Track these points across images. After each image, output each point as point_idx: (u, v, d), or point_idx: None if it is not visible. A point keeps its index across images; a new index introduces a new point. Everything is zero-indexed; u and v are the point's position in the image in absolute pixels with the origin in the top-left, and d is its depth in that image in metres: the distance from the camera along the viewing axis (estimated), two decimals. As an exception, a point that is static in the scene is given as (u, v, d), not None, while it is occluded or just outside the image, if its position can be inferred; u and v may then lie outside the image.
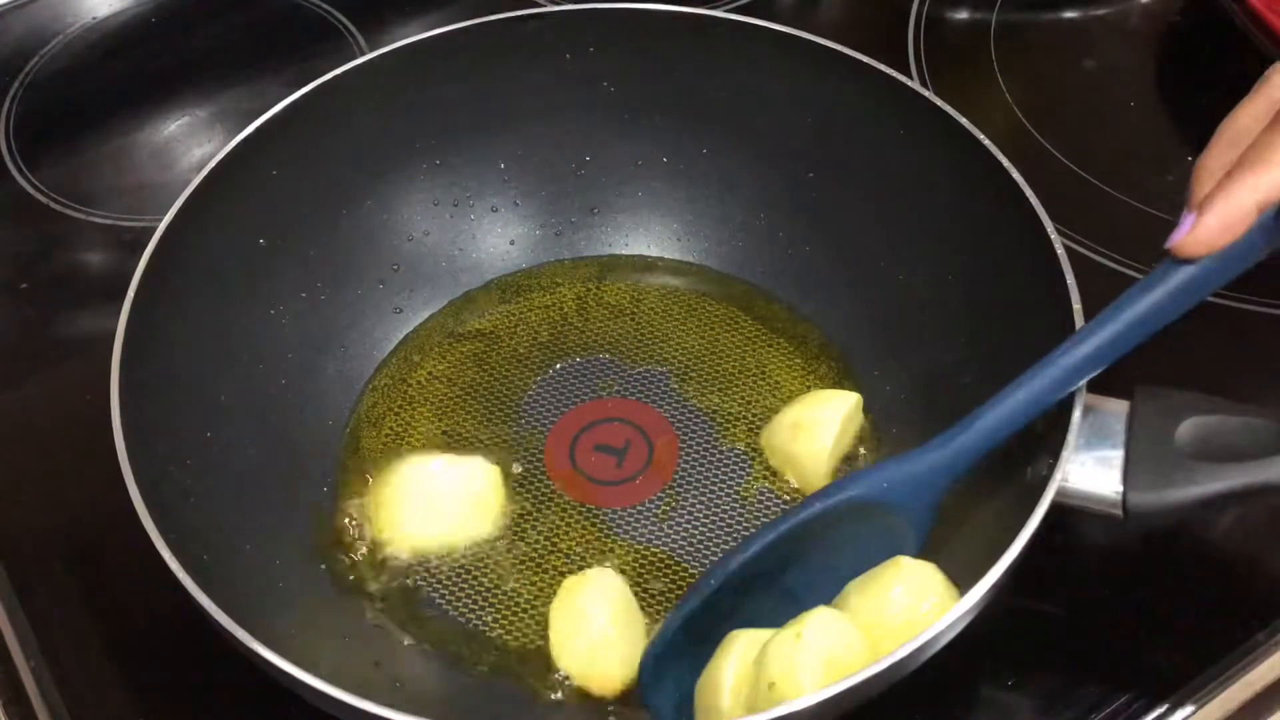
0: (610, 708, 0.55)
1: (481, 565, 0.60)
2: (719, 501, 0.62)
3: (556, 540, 0.61)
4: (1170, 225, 0.49)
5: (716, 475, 0.63)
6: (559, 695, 0.56)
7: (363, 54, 0.67)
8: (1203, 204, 0.48)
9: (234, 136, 0.62)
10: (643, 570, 0.60)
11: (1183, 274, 0.49)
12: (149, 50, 0.90)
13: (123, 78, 0.88)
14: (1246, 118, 0.49)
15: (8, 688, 0.57)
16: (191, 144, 0.83)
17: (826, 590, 0.54)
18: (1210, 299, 0.68)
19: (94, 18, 0.92)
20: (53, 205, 0.79)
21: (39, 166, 0.81)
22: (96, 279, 0.76)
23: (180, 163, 0.82)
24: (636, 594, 0.58)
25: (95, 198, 0.79)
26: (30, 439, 0.67)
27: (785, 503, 0.62)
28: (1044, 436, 0.52)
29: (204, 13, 0.91)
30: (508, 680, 0.57)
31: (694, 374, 0.68)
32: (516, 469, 0.64)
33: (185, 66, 0.88)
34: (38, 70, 0.88)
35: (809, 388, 0.66)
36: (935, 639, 0.46)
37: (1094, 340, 0.50)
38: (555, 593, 0.59)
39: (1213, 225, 0.48)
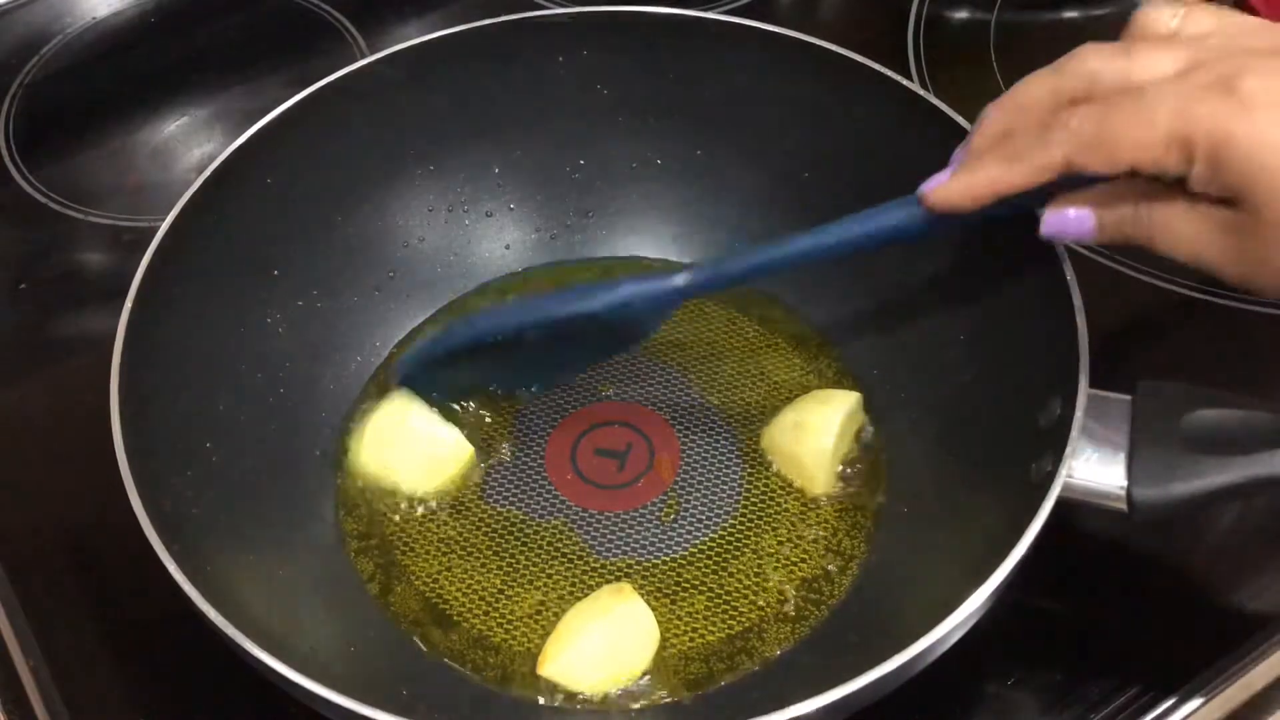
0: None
1: (485, 571, 0.60)
2: (721, 503, 0.62)
3: (560, 545, 0.61)
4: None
5: (718, 477, 0.63)
6: (559, 703, 0.56)
7: (362, 54, 0.67)
8: (958, 171, 0.50)
9: (233, 137, 0.62)
10: (645, 574, 0.60)
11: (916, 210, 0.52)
12: (149, 50, 0.90)
13: (123, 78, 0.88)
14: (1041, 89, 0.48)
15: (7, 688, 0.57)
16: (191, 144, 0.83)
17: (570, 372, 0.66)
18: (1210, 299, 0.69)
19: (94, 18, 0.92)
20: (52, 205, 0.79)
21: (39, 166, 0.81)
22: (96, 279, 0.76)
23: (180, 163, 0.82)
24: (641, 596, 0.58)
25: (95, 198, 0.79)
26: (30, 439, 0.67)
27: (788, 503, 0.62)
28: (1047, 432, 0.52)
29: (204, 13, 0.91)
30: (513, 688, 0.57)
31: (694, 375, 0.68)
32: (517, 474, 0.64)
33: (185, 66, 0.88)
34: (38, 70, 0.88)
35: (809, 388, 0.66)
36: (944, 639, 0.46)
37: (825, 236, 0.55)
38: (559, 598, 0.59)
39: (954, 193, 0.50)
